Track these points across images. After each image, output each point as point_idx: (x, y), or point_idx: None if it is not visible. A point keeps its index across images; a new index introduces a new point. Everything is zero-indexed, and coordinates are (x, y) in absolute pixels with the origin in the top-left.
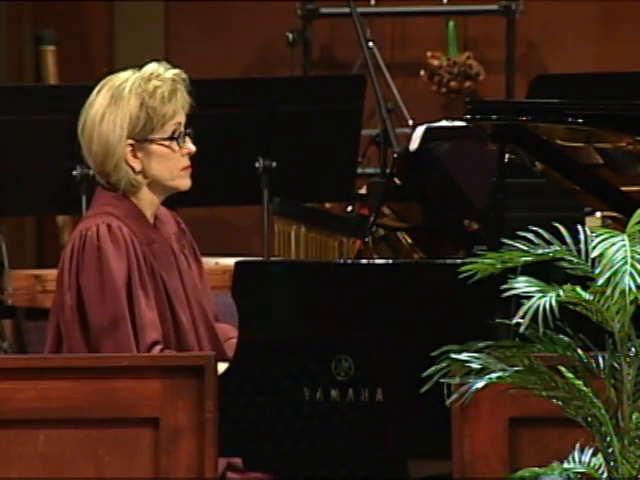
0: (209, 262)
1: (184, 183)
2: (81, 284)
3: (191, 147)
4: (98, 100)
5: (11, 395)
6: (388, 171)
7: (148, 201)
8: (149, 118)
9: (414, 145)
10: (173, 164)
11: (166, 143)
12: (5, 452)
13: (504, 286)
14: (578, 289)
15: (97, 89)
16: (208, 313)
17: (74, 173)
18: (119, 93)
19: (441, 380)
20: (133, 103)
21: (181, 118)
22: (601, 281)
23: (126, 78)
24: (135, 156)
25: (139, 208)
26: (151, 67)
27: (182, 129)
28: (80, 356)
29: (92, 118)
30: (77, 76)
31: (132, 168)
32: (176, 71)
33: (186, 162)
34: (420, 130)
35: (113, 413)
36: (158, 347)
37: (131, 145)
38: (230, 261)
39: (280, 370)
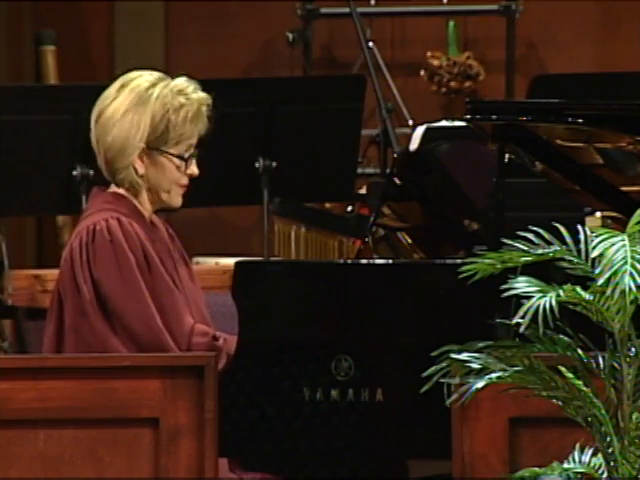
0: (209, 262)
1: (177, 200)
2: (97, 278)
3: (195, 170)
4: (121, 96)
5: (11, 395)
6: (388, 171)
7: (145, 205)
8: (167, 131)
9: (414, 145)
10: (173, 179)
11: (175, 160)
12: (5, 452)
13: (504, 286)
14: (578, 289)
15: (118, 85)
16: (206, 315)
17: (74, 173)
18: (147, 97)
19: (441, 380)
20: (157, 111)
21: (195, 141)
22: (601, 281)
23: (153, 83)
24: (141, 159)
25: (139, 208)
26: (180, 82)
27: (192, 151)
28: (80, 356)
29: (113, 110)
30: (77, 76)
31: (135, 170)
32: (204, 95)
33: (185, 181)
34: (420, 130)
35: (113, 413)
36: (197, 326)
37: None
38: (230, 261)
39: (280, 370)
